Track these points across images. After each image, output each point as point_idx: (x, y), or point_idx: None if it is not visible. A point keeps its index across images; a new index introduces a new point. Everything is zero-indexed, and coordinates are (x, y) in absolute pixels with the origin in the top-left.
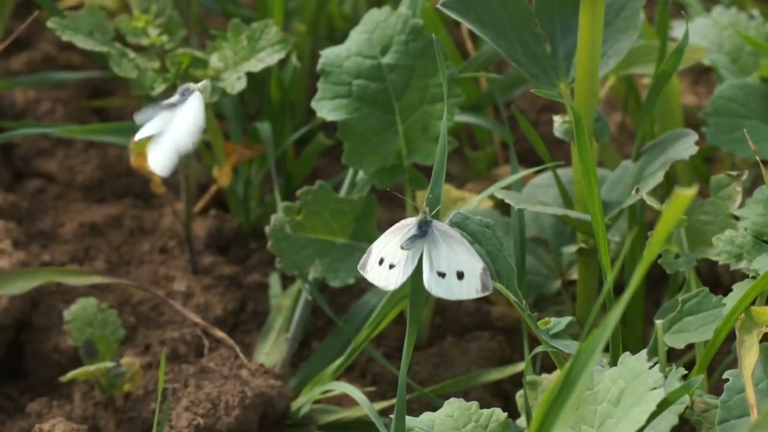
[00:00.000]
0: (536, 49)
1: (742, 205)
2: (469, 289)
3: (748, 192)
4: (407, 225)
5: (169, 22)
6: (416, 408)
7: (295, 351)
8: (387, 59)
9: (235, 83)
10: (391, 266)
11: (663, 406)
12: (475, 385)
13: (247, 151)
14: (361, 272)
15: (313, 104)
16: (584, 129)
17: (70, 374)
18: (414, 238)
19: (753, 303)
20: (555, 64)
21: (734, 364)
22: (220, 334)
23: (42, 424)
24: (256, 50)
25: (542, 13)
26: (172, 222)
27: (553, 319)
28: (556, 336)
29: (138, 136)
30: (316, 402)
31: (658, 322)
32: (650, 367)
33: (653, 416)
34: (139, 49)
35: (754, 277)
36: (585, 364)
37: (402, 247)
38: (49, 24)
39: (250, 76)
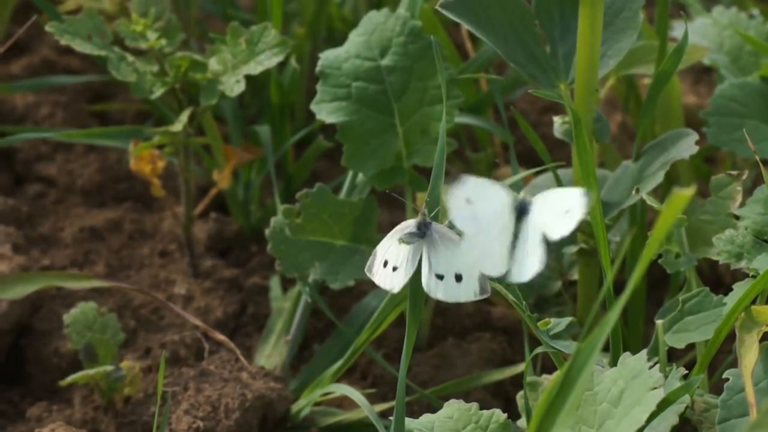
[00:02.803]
0: (536, 49)
1: (742, 205)
2: (467, 292)
3: (748, 191)
4: (408, 226)
5: (168, 25)
6: (417, 410)
7: (295, 353)
8: (386, 61)
9: (234, 86)
10: (395, 268)
11: (663, 405)
12: (475, 386)
13: (246, 154)
14: (368, 275)
15: (312, 107)
16: (583, 130)
17: (70, 378)
18: (413, 236)
19: (753, 302)
20: (554, 64)
21: (735, 363)
22: (220, 337)
23: (42, 428)
24: (254, 53)
25: (541, 14)
26: (172, 225)
27: (554, 320)
28: (557, 336)
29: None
30: (317, 404)
31: (659, 321)
32: (650, 367)
33: (653, 416)
34: (137, 52)
35: (754, 277)
36: (584, 364)
37: (401, 240)
38: (48, 28)
39: (249, 79)
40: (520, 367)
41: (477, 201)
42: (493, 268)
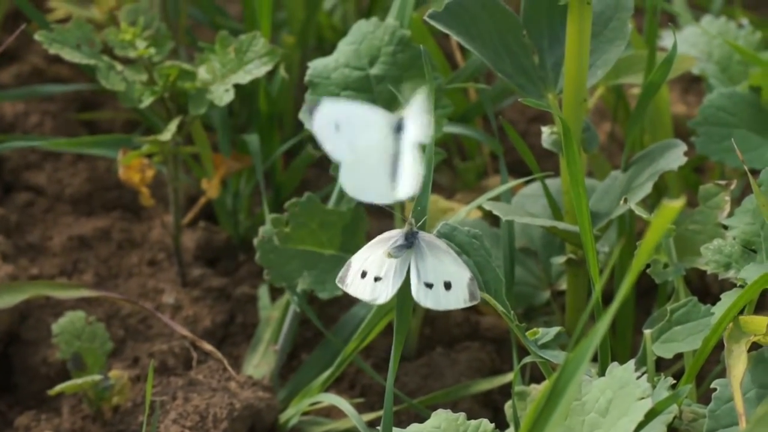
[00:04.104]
0: (524, 60)
1: (730, 215)
2: (456, 299)
3: (736, 201)
4: (392, 237)
5: (157, 34)
6: (405, 419)
7: (283, 363)
8: (375, 70)
9: (223, 95)
10: (377, 279)
11: (651, 415)
12: (464, 395)
13: (235, 163)
14: (339, 286)
15: (301, 116)
16: (572, 140)
17: (58, 387)
18: (401, 248)
19: (741, 312)
20: (543, 74)
21: (723, 373)
22: (208, 346)
23: None
24: (243, 62)
25: (530, 24)
26: (160, 234)
27: (542, 330)
28: (545, 346)
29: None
30: (305, 414)
31: (647, 331)
32: (638, 377)
33: (641, 426)
34: (126, 61)
35: (742, 287)
36: (573, 374)
37: (389, 254)
38: (36, 37)
39: (238, 88)
40: (509, 377)
41: (348, 126)
42: (377, 196)
